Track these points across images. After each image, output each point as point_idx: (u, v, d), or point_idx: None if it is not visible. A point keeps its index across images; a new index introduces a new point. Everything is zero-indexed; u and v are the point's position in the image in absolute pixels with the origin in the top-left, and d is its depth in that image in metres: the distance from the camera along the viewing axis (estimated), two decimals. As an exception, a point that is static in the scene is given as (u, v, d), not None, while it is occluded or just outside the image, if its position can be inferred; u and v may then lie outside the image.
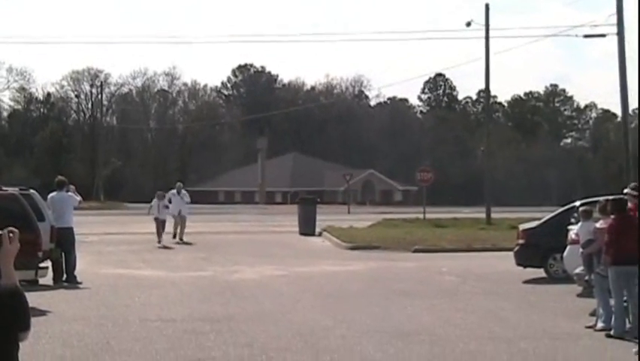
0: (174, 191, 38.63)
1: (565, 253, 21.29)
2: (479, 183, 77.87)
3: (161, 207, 36.58)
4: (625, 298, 15.10)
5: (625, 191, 16.49)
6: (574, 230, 20.35)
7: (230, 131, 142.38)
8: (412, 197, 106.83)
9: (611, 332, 15.01)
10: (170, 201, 37.56)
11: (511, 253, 25.57)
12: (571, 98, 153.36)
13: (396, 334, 15.26)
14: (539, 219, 26.86)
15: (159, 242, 35.43)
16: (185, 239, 37.42)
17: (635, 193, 16.12)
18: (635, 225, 14.81)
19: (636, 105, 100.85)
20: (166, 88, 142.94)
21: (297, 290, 21.85)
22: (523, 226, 26.59)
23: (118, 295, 20.60)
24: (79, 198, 24.55)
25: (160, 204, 36.69)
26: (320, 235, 42.21)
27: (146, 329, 15.67)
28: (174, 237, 37.37)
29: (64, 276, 22.91)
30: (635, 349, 13.58)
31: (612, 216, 15.29)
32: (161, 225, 36.16)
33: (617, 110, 62.58)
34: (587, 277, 16.96)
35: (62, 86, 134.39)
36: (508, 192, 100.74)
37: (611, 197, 17.22)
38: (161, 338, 14.76)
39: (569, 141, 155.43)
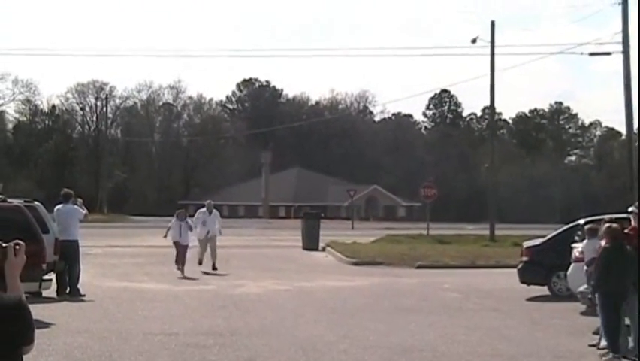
0: (204, 210, 32.42)
1: (569, 271, 21.25)
2: (483, 199, 77.81)
3: (183, 229, 30.22)
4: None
5: (630, 209, 16.47)
6: (578, 248, 20.33)
7: (234, 146, 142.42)
8: (416, 213, 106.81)
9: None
10: (204, 223, 31.80)
11: (514, 270, 25.55)
12: (575, 115, 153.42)
13: (399, 350, 15.23)
14: (543, 236, 26.83)
15: (182, 272, 29.33)
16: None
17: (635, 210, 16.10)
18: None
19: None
20: (171, 101, 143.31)
21: (300, 305, 21.84)
22: (527, 244, 26.56)
23: (121, 308, 20.59)
24: (84, 211, 24.53)
25: (182, 225, 30.30)
26: (323, 250, 42.21)
27: (149, 342, 15.65)
28: (201, 263, 31.47)
29: (68, 289, 22.92)
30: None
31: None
32: (182, 251, 29.93)
33: (622, 128, 62.59)
34: (590, 296, 16.90)
35: (67, 99, 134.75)
36: (512, 209, 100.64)
37: (615, 215, 17.23)
38: (163, 352, 14.75)
39: (573, 158, 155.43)
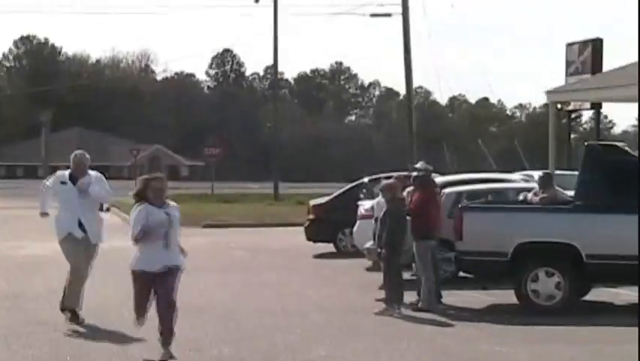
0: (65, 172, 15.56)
1: (354, 228, 21.57)
2: (267, 158, 78.44)
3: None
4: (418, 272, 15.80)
5: (417, 166, 16.84)
6: (364, 205, 20.73)
7: (11, 105, 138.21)
8: (199, 172, 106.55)
9: (419, 305, 15.49)
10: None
11: (301, 229, 25.86)
12: (355, 75, 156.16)
13: (189, 309, 15.11)
14: (328, 194, 27.24)
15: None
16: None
17: (431, 168, 16.55)
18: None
19: (418, 84, 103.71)
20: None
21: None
22: (313, 202, 26.90)
23: None
24: None
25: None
26: (108, 210, 41.51)
27: None
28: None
29: None
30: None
31: (416, 191, 15.91)
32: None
33: (401, 88, 64.06)
34: (379, 251, 17.22)
35: None
36: (296, 168, 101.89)
37: (397, 173, 17.67)
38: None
39: (353, 118, 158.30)
